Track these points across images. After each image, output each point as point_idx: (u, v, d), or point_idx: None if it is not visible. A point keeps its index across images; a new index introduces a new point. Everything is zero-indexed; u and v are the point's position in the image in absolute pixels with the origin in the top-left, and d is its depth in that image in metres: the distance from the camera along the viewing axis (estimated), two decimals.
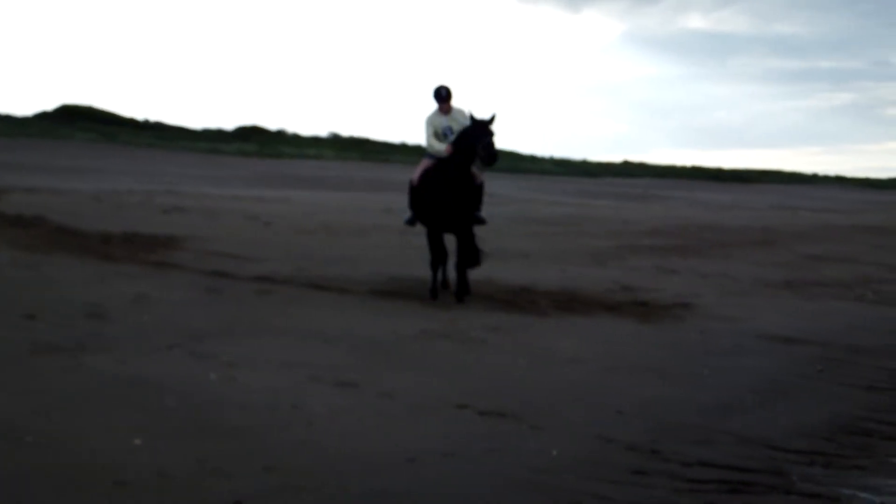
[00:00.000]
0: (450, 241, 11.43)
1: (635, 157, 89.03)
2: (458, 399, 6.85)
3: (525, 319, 10.35)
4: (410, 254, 14.86)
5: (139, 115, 69.86)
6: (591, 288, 12.74)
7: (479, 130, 10.83)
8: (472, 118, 10.96)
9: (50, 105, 65.29)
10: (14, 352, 7.19)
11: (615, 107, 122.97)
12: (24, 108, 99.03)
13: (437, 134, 11.38)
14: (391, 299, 10.95)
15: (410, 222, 11.94)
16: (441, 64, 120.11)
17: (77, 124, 57.56)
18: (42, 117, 61.51)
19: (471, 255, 11.31)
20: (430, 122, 11.42)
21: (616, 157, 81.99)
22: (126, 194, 22.52)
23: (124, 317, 8.82)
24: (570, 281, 13.30)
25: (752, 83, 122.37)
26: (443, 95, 11.31)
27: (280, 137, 68.00)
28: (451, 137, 11.21)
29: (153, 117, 68.83)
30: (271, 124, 71.53)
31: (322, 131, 73.75)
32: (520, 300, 11.42)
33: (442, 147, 11.21)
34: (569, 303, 11.50)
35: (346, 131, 71.61)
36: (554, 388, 7.51)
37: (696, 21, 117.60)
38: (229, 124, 68.73)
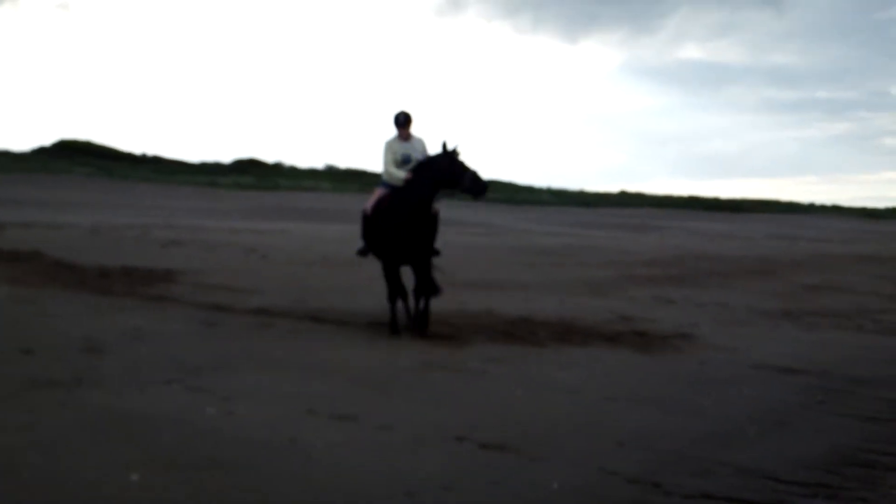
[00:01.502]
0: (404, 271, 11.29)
1: (633, 187, 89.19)
2: (457, 431, 6.81)
3: (524, 350, 10.33)
4: (408, 285, 14.85)
5: (137, 149, 70.25)
6: (589, 318, 12.73)
7: (453, 163, 10.65)
8: (444, 149, 10.73)
9: (48, 140, 65.78)
10: (11, 386, 7.16)
11: (613, 137, 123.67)
12: (23, 143, 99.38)
13: (396, 160, 11.06)
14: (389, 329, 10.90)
15: (362, 253, 11.56)
16: (438, 95, 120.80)
17: (75, 159, 57.85)
18: (40, 152, 61.82)
19: (430, 285, 11.09)
20: (390, 147, 11.10)
21: (613, 188, 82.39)
22: (124, 228, 22.54)
23: (122, 351, 8.80)
24: (568, 311, 13.29)
25: (749, 113, 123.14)
26: (400, 121, 11.00)
27: (277, 170, 68.27)
28: (410, 165, 10.95)
29: (151, 151, 69.13)
30: (268, 157, 71.88)
31: (319, 163, 74.18)
32: (518, 331, 11.39)
33: (401, 174, 10.88)
34: (567, 333, 11.48)
35: (342, 163, 71.96)
36: (553, 419, 7.47)
37: (692, 51, 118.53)
38: (227, 157, 69.13)
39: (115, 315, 10.60)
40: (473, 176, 10.62)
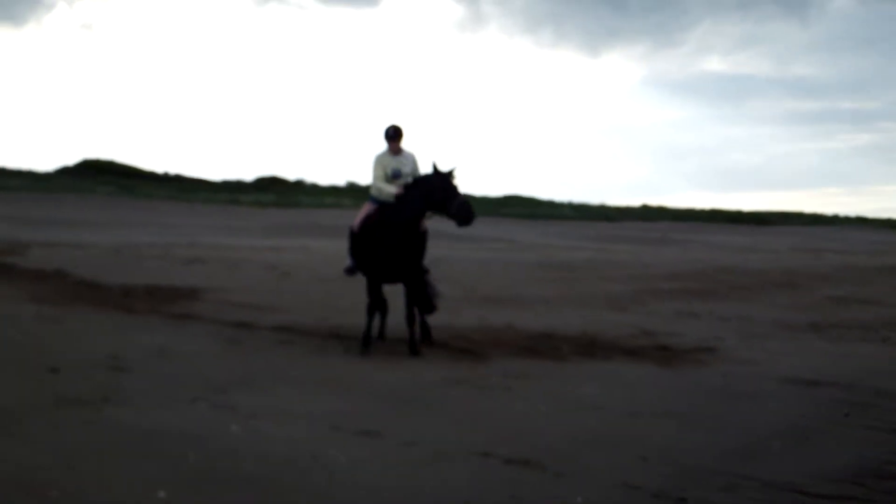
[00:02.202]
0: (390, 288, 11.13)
1: (655, 200, 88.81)
2: (480, 447, 6.81)
3: (546, 365, 10.32)
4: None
5: (159, 168, 70.56)
6: (611, 333, 12.70)
7: (445, 185, 10.31)
8: (434, 169, 10.42)
9: (71, 160, 66.27)
10: (38, 404, 7.22)
11: (634, 151, 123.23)
12: (46, 163, 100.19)
13: (386, 175, 10.74)
14: None
15: (350, 271, 11.24)
16: (460, 111, 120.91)
17: (98, 178, 58.22)
18: (63, 172, 62.35)
19: (424, 302, 10.98)
20: (380, 161, 10.77)
21: (635, 201, 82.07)
22: (147, 247, 22.68)
23: (146, 369, 8.86)
24: (590, 326, 13.26)
25: (772, 125, 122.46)
26: (390, 135, 10.64)
27: (298, 187, 68.52)
28: (400, 181, 10.66)
29: (173, 170, 69.56)
30: (290, 174, 72.07)
31: (340, 180, 74.39)
32: (540, 346, 11.38)
33: (391, 189, 10.59)
34: (589, 348, 11.46)
35: (363, 180, 71.98)
36: (577, 434, 7.46)
37: (715, 64, 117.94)
38: (248, 175, 69.32)
39: (139, 333, 10.67)
40: (463, 202, 10.22)
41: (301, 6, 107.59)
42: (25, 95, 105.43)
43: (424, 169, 10.72)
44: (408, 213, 10.46)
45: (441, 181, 10.32)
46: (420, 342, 10.85)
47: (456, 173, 10.39)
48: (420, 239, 10.77)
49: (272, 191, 62.76)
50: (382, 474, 6.11)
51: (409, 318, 10.72)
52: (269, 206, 52.50)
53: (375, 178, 10.77)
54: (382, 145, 10.80)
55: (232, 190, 61.77)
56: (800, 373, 10.43)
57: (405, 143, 10.83)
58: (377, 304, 10.92)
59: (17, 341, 9.67)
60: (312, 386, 8.65)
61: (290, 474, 5.97)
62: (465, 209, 10.20)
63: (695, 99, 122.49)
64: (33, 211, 34.67)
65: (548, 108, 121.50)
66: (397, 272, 10.66)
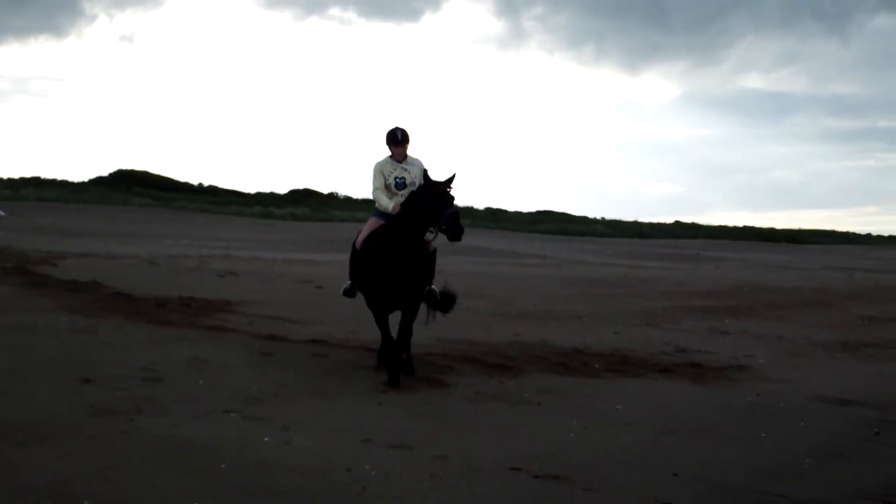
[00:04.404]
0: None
1: (689, 218, 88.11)
2: (512, 462, 6.82)
3: (578, 381, 10.31)
4: (463, 316, 14.87)
5: (193, 179, 71.05)
6: (644, 350, 12.66)
7: (438, 196, 9.24)
8: (425, 177, 9.45)
9: (105, 170, 66.77)
10: (72, 415, 7.31)
11: (670, 168, 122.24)
12: (81, 173, 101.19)
13: (388, 185, 9.73)
14: (444, 360, 10.93)
15: (349, 293, 10.22)
16: (497, 125, 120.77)
17: (132, 189, 58.69)
18: (98, 183, 62.86)
19: (408, 333, 9.91)
20: (380, 169, 9.76)
21: (668, 218, 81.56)
22: (181, 259, 22.85)
23: (180, 380, 8.93)
24: (622, 342, 13.23)
25: (810, 143, 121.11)
26: (398, 139, 9.62)
27: (332, 200, 68.62)
28: (405, 191, 9.61)
29: (207, 181, 70.00)
30: (323, 187, 72.22)
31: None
32: (573, 362, 11.37)
33: (389, 203, 9.61)
34: (622, 364, 11.44)
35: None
36: (608, 450, 7.45)
37: (755, 81, 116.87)
38: (282, 188, 69.62)
39: (173, 345, 10.75)
40: (451, 216, 9.10)
41: (342, 21, 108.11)
42: (63, 106, 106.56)
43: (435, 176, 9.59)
44: (408, 231, 9.40)
45: (432, 191, 9.28)
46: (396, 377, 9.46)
47: (454, 183, 9.41)
48: (425, 261, 9.74)
49: (305, 203, 62.97)
50: (414, 488, 6.14)
51: (398, 345, 9.72)
52: (302, 220, 52.70)
53: (375, 188, 9.79)
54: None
55: (265, 202, 62.08)
56: (832, 392, 10.36)
57: (412, 150, 9.84)
58: (387, 333, 9.84)
59: (52, 352, 9.77)
60: (345, 399, 8.69)
61: (325, 487, 6.00)
62: (453, 224, 9.08)
63: (733, 116, 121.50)
64: (68, 221, 35.02)
65: (583, 124, 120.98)
66: (397, 299, 9.65)
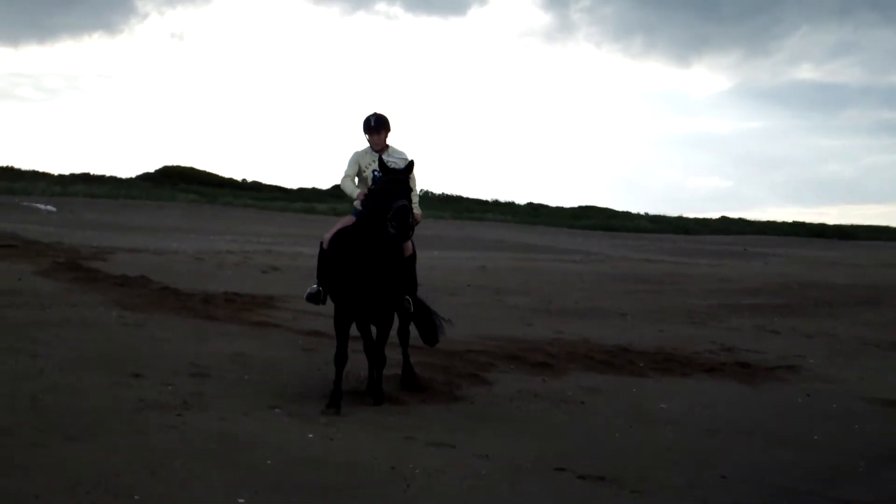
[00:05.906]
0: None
1: (737, 213, 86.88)
2: (555, 461, 6.78)
3: (622, 380, 10.23)
4: (504, 313, 14.83)
5: (238, 175, 71.60)
6: (689, 348, 12.54)
7: (389, 186, 7.97)
8: (381, 165, 8.16)
9: (152, 167, 67.55)
10: (122, 408, 7.37)
11: (719, 162, 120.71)
12: (128, 169, 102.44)
13: (364, 178, 8.74)
14: (485, 357, 10.88)
15: (314, 298, 8.81)
16: (541, 119, 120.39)
17: (178, 185, 59.25)
18: (144, 178, 63.61)
19: (428, 331, 9.31)
20: (357, 159, 8.79)
21: (715, 213, 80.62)
22: (225, 254, 23.00)
23: (226, 376, 8.98)
24: (667, 341, 13.11)
25: (865, 136, 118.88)
26: (371, 125, 8.64)
27: None
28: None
29: (250, 177, 70.47)
30: None
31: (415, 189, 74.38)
32: (617, 360, 11.28)
33: (354, 191, 8.72)
34: (667, 363, 11.33)
35: (438, 189, 72.11)
36: (654, 451, 7.38)
37: (807, 72, 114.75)
38: (324, 184, 69.96)
39: (219, 340, 10.81)
40: (400, 209, 7.73)
41: (389, 16, 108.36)
42: (112, 103, 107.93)
43: (419, 173, 8.73)
44: (375, 228, 8.08)
45: (387, 183, 8.05)
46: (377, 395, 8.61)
47: (410, 169, 8.27)
48: (398, 264, 8.39)
49: (347, 199, 63.20)
50: (457, 486, 6.12)
51: (378, 359, 8.61)
52: (344, 215, 52.87)
53: (346, 175, 8.83)
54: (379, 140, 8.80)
55: (307, 198, 62.34)
56: (886, 393, 10.20)
57: (392, 139, 8.91)
58: (344, 352, 8.46)
59: (102, 346, 9.86)
60: (387, 396, 8.67)
61: (368, 483, 6.00)
62: (400, 217, 7.74)
63: (784, 108, 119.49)
64: (116, 216, 35.40)
65: (627, 117, 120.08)
66: (367, 307, 8.39)
